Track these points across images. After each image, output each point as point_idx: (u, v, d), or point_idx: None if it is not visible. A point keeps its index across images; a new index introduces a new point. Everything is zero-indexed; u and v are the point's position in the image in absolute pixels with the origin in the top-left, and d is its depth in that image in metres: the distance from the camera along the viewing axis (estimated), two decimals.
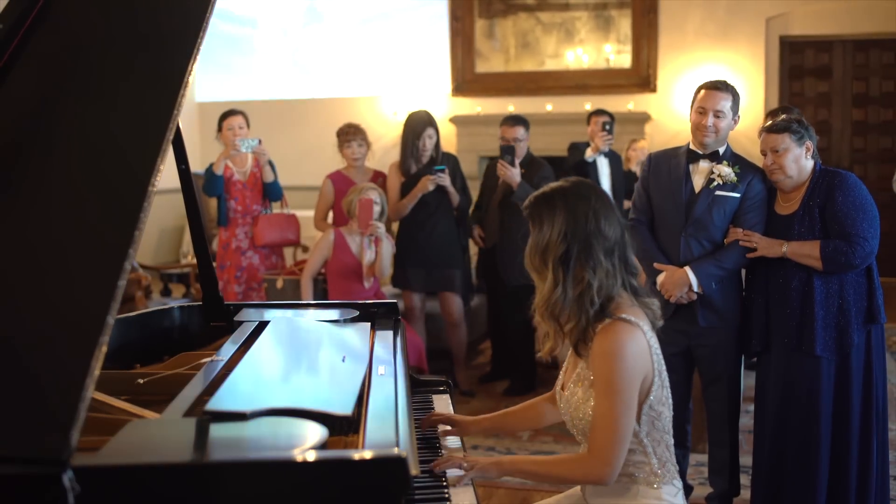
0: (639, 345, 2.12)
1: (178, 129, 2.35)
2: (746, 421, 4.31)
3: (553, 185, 2.24)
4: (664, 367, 2.21)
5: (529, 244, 2.19)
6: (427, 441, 2.40)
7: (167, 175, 1.83)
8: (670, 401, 2.23)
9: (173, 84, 1.96)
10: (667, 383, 2.21)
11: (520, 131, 5.46)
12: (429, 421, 2.44)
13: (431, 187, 5.22)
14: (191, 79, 2.01)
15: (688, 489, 3.78)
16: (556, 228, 2.13)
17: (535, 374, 5.55)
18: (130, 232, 1.67)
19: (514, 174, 5.24)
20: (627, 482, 2.20)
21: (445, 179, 5.22)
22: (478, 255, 5.99)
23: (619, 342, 2.09)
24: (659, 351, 2.19)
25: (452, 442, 2.42)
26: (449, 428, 2.45)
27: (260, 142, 5.25)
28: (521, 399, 5.38)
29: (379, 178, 5.49)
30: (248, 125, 5.43)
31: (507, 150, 5.27)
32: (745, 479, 3.88)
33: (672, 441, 2.25)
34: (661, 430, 2.21)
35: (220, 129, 5.42)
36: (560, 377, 2.35)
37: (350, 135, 5.47)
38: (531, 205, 2.21)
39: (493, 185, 5.63)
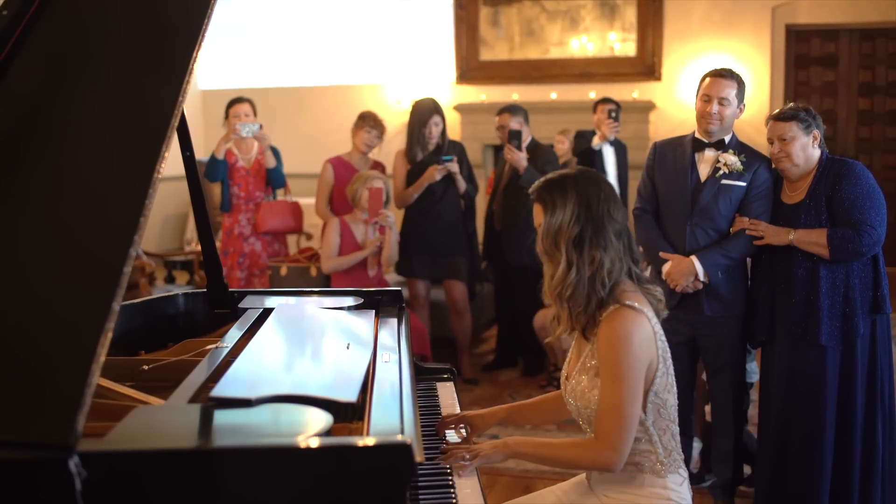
0: (644, 331, 2.13)
1: (182, 117, 2.34)
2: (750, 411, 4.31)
3: (560, 171, 2.26)
4: (669, 354, 2.21)
5: (541, 228, 2.19)
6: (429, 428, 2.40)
7: (170, 162, 1.83)
8: (675, 388, 2.23)
9: (178, 71, 1.96)
10: (671, 370, 2.21)
11: (515, 118, 5.52)
12: (444, 424, 2.40)
13: (438, 177, 5.23)
14: (195, 66, 2.01)
15: (692, 477, 3.79)
16: (568, 211, 2.15)
17: (544, 354, 5.56)
18: (136, 219, 1.67)
19: (520, 158, 5.29)
20: (633, 470, 2.20)
21: (455, 166, 5.24)
22: (484, 240, 6.00)
23: (624, 328, 2.10)
24: (664, 337, 2.20)
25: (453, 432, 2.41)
26: (463, 428, 2.41)
27: (261, 126, 5.28)
28: (534, 380, 5.46)
29: (378, 167, 5.50)
30: (255, 113, 5.44)
31: (514, 135, 5.32)
32: (747, 469, 3.88)
33: (678, 429, 2.25)
34: (666, 419, 2.21)
35: (227, 116, 5.43)
36: (564, 368, 2.35)
37: (372, 122, 5.47)
38: (541, 189, 2.21)
39: (502, 171, 5.68)
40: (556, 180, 2.21)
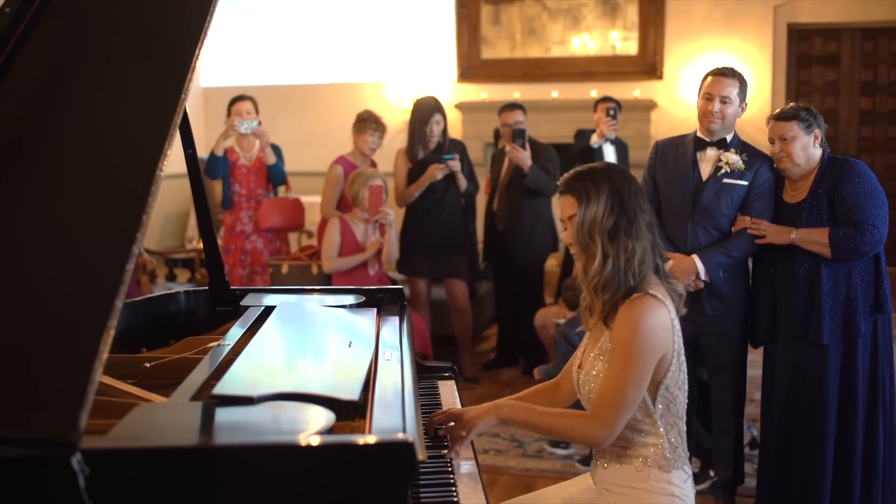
0: (662, 320, 2.15)
1: (184, 114, 2.34)
2: (751, 409, 4.31)
3: (588, 165, 2.29)
4: (683, 351, 2.22)
5: (576, 220, 2.20)
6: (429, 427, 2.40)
7: (171, 160, 1.83)
8: (686, 387, 2.24)
9: (181, 69, 1.96)
10: (685, 368, 2.23)
11: (520, 115, 5.54)
12: (433, 424, 2.38)
13: (440, 176, 5.23)
14: (197, 64, 2.01)
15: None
16: (602, 203, 2.18)
17: (545, 353, 5.57)
18: (138, 216, 1.67)
19: (525, 157, 5.29)
20: (639, 465, 2.20)
21: (457, 165, 5.24)
22: (484, 239, 6.01)
23: (642, 313, 2.13)
24: (680, 333, 2.21)
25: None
26: (452, 425, 2.42)
27: (259, 123, 5.28)
28: (534, 378, 5.45)
29: (372, 166, 5.53)
30: (257, 111, 5.45)
31: (518, 134, 5.33)
32: (748, 468, 3.89)
33: (685, 427, 2.26)
34: (674, 415, 2.21)
35: (229, 114, 5.44)
36: (577, 356, 2.36)
37: (374, 125, 5.48)
38: (573, 181, 2.23)
39: (500, 171, 5.67)
40: (586, 173, 2.24)
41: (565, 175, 2.28)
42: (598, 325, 2.27)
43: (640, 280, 2.18)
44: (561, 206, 2.28)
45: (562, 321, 4.74)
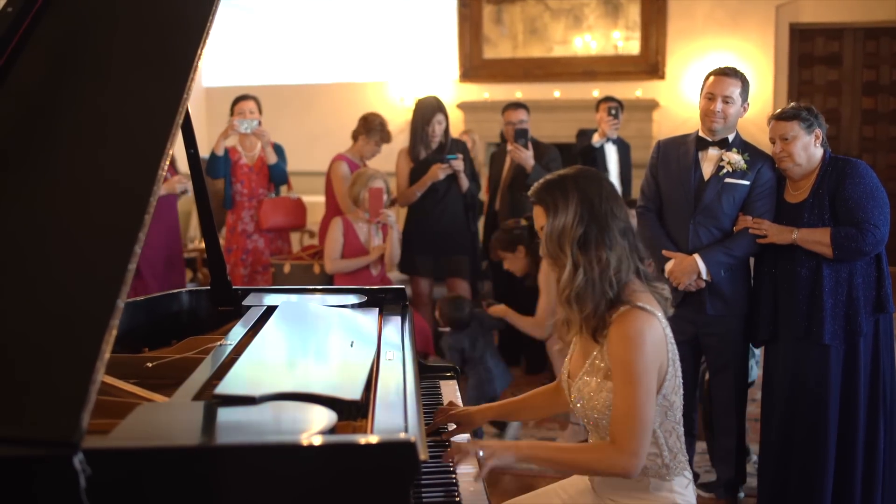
0: (656, 333, 2.08)
1: (186, 114, 2.34)
2: (752, 409, 4.31)
3: (559, 172, 2.22)
4: (678, 357, 2.17)
5: (545, 231, 2.14)
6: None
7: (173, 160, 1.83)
8: (682, 390, 2.20)
9: (183, 68, 1.96)
10: (679, 373, 2.18)
11: (523, 114, 5.55)
12: (436, 424, 2.37)
13: (442, 176, 5.22)
14: (199, 63, 2.01)
15: (693, 476, 3.79)
16: (570, 212, 2.10)
17: (544, 352, 5.56)
18: (140, 216, 1.67)
19: (527, 157, 5.29)
20: (639, 475, 2.13)
21: (459, 164, 5.23)
22: (485, 239, 6.00)
23: (637, 329, 2.05)
24: (672, 340, 2.16)
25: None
26: (454, 426, 2.39)
27: (259, 123, 5.29)
28: (536, 378, 5.46)
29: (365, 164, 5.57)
30: (260, 110, 5.45)
31: (521, 134, 5.33)
32: (750, 468, 3.88)
33: (682, 431, 2.22)
34: (672, 421, 2.17)
35: (232, 113, 5.45)
36: (566, 364, 2.32)
37: (386, 137, 5.49)
38: (541, 191, 2.17)
39: (500, 171, 5.68)
40: (555, 181, 2.17)
41: (535, 184, 2.21)
42: (586, 338, 2.19)
43: (622, 288, 2.11)
44: (534, 217, 2.22)
45: (446, 330, 4.68)
